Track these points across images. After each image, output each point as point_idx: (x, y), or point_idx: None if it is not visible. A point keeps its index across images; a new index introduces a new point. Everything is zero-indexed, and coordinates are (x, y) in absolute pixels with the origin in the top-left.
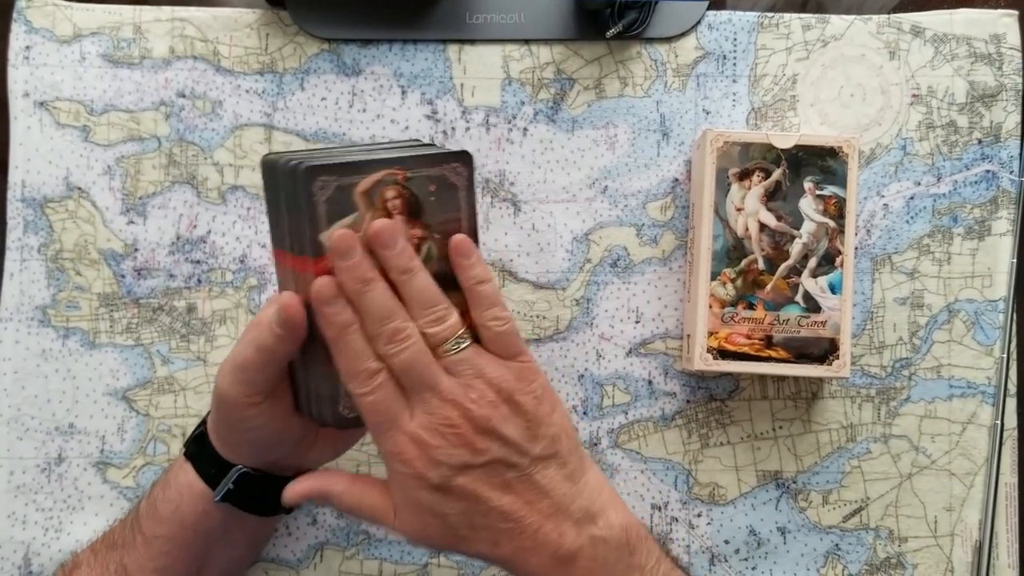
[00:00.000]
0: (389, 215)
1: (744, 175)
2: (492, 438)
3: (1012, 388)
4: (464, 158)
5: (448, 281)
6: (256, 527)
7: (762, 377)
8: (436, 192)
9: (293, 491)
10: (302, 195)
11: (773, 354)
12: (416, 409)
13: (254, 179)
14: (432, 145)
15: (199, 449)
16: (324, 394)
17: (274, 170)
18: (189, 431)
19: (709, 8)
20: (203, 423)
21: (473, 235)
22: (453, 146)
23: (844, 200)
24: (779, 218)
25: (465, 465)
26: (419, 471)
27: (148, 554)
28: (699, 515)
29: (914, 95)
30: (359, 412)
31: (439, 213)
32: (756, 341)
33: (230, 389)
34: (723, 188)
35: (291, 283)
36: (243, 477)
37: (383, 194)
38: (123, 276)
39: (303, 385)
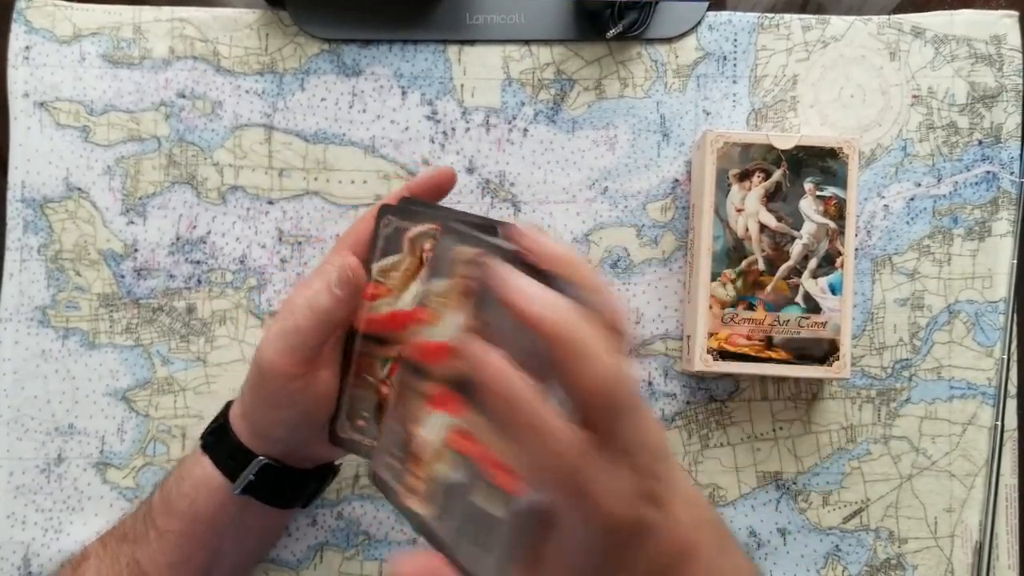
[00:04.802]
0: (422, 263)
1: (744, 176)
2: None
3: (1012, 389)
4: (495, 250)
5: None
6: (270, 521)
7: (762, 378)
8: None
9: (405, 565)
10: (375, 228)
11: (773, 355)
12: None
13: (254, 180)
14: (495, 224)
15: (217, 441)
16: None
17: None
18: (189, 431)
19: (709, 9)
20: (221, 417)
21: None
22: (453, 147)
23: (844, 201)
24: (779, 219)
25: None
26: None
27: (161, 548)
28: None
29: (914, 96)
30: (345, 437)
31: None
32: (756, 342)
33: (276, 358)
34: (723, 189)
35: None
36: (264, 469)
37: (423, 244)
38: (123, 276)
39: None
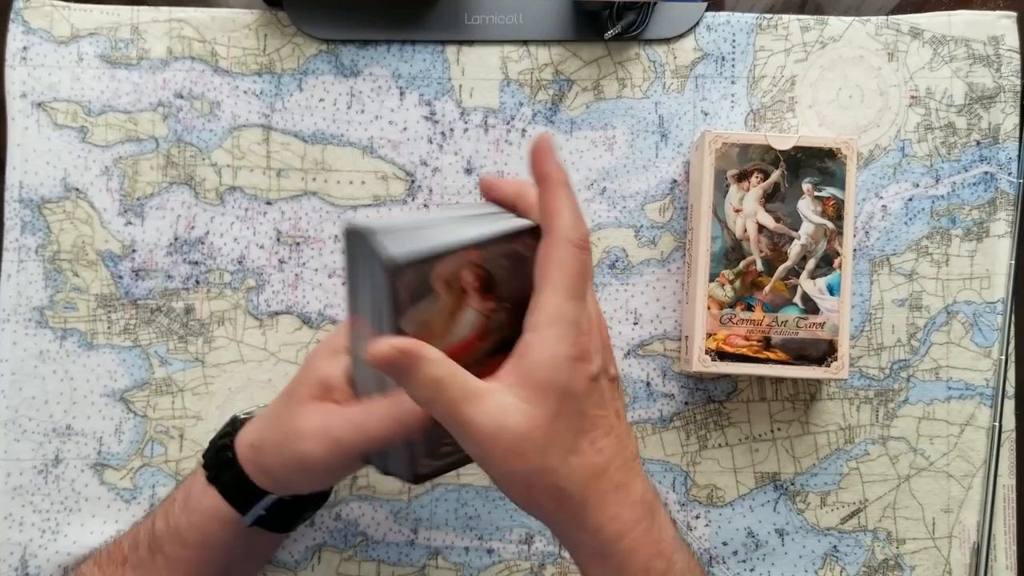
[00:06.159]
0: (465, 294)
1: (742, 176)
2: (613, 366)
3: (1010, 390)
4: (536, 233)
5: (508, 346)
6: (276, 540)
7: (760, 379)
8: (510, 267)
9: (383, 347)
10: (387, 285)
11: (771, 356)
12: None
13: (252, 180)
14: (502, 213)
15: (225, 474)
16: (402, 455)
17: (357, 246)
18: (187, 432)
19: (708, 9)
20: (227, 440)
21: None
22: (451, 148)
23: (842, 201)
24: (777, 219)
25: (605, 371)
26: (586, 351)
27: (171, 574)
28: (697, 517)
29: (912, 97)
30: (429, 470)
31: (510, 283)
32: (754, 343)
33: (328, 460)
34: (721, 189)
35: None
36: (275, 503)
37: (462, 278)
38: (121, 277)
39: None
